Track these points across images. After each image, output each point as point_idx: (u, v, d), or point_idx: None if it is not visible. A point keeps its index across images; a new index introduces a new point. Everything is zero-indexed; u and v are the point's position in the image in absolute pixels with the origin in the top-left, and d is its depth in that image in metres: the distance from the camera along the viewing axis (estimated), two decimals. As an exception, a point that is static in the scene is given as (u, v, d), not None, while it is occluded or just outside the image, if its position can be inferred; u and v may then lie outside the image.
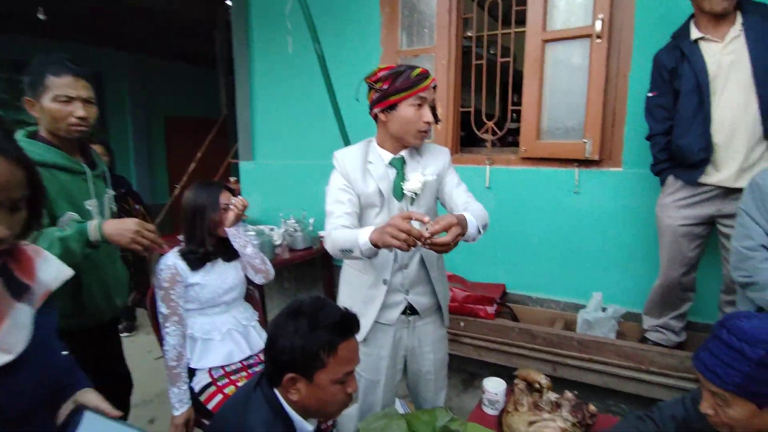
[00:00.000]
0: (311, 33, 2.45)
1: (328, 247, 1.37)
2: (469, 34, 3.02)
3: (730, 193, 1.91)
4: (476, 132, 3.01)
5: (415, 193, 1.45)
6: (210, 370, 1.71)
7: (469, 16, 2.94)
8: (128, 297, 1.81)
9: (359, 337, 1.44)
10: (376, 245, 1.23)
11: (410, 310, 1.55)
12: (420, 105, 1.37)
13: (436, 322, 1.63)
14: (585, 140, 2.48)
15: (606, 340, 2.19)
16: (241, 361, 1.76)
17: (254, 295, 2.07)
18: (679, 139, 1.97)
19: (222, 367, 1.72)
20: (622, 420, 1.38)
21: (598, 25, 2.39)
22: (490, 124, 2.92)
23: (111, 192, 1.67)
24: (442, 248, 1.22)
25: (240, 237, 1.77)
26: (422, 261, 1.53)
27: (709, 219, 2.00)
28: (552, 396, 1.59)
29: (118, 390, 1.82)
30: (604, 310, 2.33)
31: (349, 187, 1.44)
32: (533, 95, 2.64)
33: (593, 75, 2.45)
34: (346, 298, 1.57)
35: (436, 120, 1.43)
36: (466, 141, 3.18)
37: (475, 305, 2.49)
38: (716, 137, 1.89)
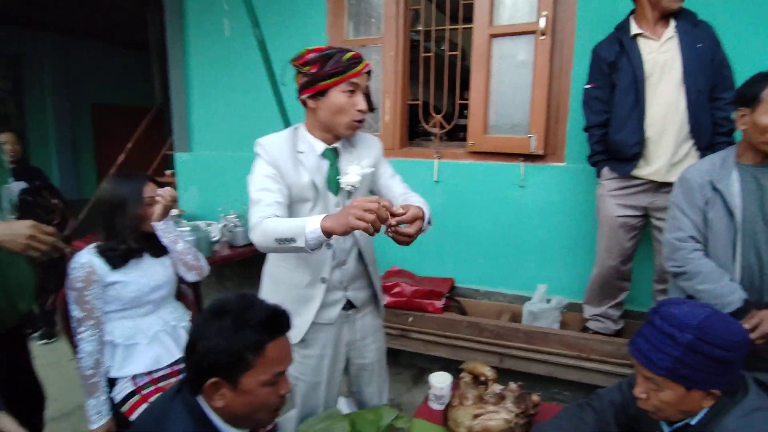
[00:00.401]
0: (250, 17, 2.32)
1: (256, 236, 1.23)
2: (419, 28, 2.99)
3: (661, 186, 2.00)
4: (425, 125, 2.99)
5: (354, 187, 1.39)
6: (134, 377, 1.56)
7: (417, 7, 2.90)
8: (39, 300, 1.62)
9: (294, 339, 1.38)
10: (328, 234, 1.13)
11: (348, 305, 1.51)
12: (352, 92, 1.28)
13: (373, 312, 1.60)
14: (530, 135, 2.51)
15: (550, 330, 2.24)
16: (170, 366, 1.63)
17: (187, 293, 1.94)
18: (615, 133, 2.03)
19: (148, 373, 1.58)
20: (564, 409, 1.40)
21: (542, 22, 2.42)
22: (438, 117, 2.90)
23: (17, 184, 1.47)
24: (406, 239, 1.19)
25: (170, 232, 1.65)
26: (360, 256, 1.48)
27: (643, 211, 2.08)
28: (497, 388, 1.60)
29: (28, 404, 1.63)
30: (548, 301, 2.38)
31: (279, 176, 1.32)
32: (480, 89, 2.65)
33: (537, 71, 2.49)
34: (273, 298, 1.46)
35: (371, 108, 1.35)
36: (411, 135, 3.16)
37: (423, 300, 2.46)
38: (649, 133, 1.97)
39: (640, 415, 1.24)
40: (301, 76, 1.31)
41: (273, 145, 1.34)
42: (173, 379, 1.60)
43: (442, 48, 2.86)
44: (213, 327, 0.95)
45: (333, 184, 1.38)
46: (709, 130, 1.93)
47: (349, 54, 1.27)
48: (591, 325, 2.30)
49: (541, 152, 2.51)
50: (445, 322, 2.39)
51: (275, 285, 1.45)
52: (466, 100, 2.74)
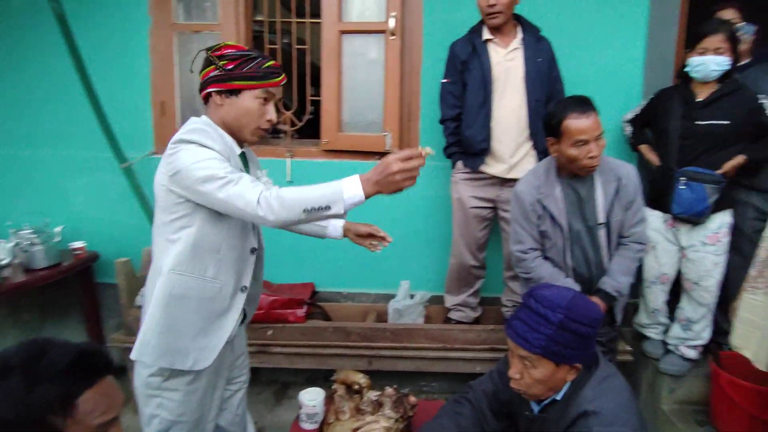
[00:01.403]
0: (43, -18, 1.86)
1: (273, 210, 1.07)
2: (260, 18, 2.77)
3: (505, 182, 2.18)
4: (274, 122, 2.78)
5: None
6: None
7: (258, -6, 2.69)
8: None
9: (204, 364, 1.23)
10: (367, 197, 1.11)
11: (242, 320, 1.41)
12: (266, 100, 1.25)
13: (243, 325, 1.48)
14: (385, 133, 2.51)
15: (416, 326, 2.27)
16: None
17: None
18: (465, 129, 2.17)
19: None
20: (442, 407, 1.43)
21: (392, 23, 2.44)
22: (289, 114, 2.73)
23: None
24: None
25: None
26: (258, 261, 1.40)
27: (492, 203, 2.25)
28: (372, 395, 1.57)
29: None
30: (412, 297, 2.42)
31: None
32: (332, 86, 2.56)
33: (389, 70, 2.50)
34: (179, 318, 1.21)
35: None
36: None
37: (283, 309, 2.27)
38: (495, 132, 2.14)
39: (512, 398, 1.33)
40: (213, 68, 1.22)
41: (216, 134, 1.21)
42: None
43: (286, 41, 2.70)
44: None
45: None
46: (544, 136, 2.16)
47: (270, 62, 1.25)
48: (452, 315, 2.40)
49: (396, 150, 2.53)
50: (309, 331, 2.25)
51: (180, 301, 1.22)
52: (316, 96, 2.63)
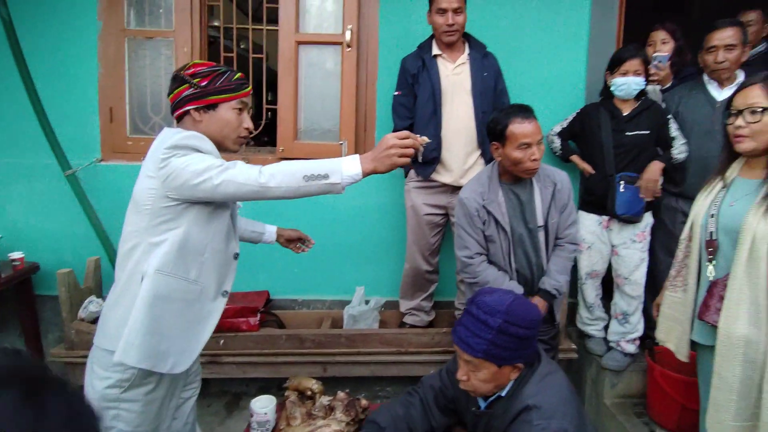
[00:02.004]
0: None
1: (274, 176, 1.14)
2: (216, 23, 2.74)
3: (456, 189, 2.25)
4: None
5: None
6: None
7: (215, 2, 2.66)
8: None
9: (182, 367, 1.24)
10: (365, 176, 1.16)
11: None
12: (241, 110, 1.32)
13: None
14: (341, 142, 2.55)
15: (370, 331, 2.28)
16: None
17: None
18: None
19: None
20: (394, 398, 1.47)
21: (348, 35, 2.50)
22: (244, 121, 2.71)
23: None
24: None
25: None
26: None
27: (444, 210, 2.32)
28: (325, 400, 1.58)
29: None
30: (367, 302, 2.43)
31: None
32: (289, 95, 2.58)
33: (345, 81, 2.55)
34: (162, 321, 1.20)
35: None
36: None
37: (236, 318, 2.24)
38: (445, 142, 2.22)
39: (459, 395, 1.38)
40: (186, 87, 1.27)
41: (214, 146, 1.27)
42: None
43: (243, 47, 2.69)
44: None
45: None
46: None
47: (238, 74, 1.32)
48: (407, 319, 2.44)
49: (353, 156, 2.57)
50: (263, 339, 2.22)
51: (164, 303, 1.22)
52: (272, 104, 2.63)
